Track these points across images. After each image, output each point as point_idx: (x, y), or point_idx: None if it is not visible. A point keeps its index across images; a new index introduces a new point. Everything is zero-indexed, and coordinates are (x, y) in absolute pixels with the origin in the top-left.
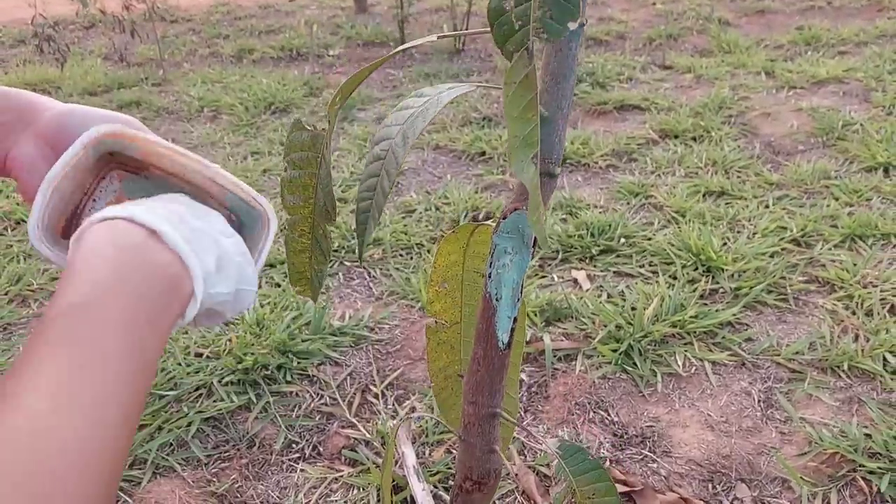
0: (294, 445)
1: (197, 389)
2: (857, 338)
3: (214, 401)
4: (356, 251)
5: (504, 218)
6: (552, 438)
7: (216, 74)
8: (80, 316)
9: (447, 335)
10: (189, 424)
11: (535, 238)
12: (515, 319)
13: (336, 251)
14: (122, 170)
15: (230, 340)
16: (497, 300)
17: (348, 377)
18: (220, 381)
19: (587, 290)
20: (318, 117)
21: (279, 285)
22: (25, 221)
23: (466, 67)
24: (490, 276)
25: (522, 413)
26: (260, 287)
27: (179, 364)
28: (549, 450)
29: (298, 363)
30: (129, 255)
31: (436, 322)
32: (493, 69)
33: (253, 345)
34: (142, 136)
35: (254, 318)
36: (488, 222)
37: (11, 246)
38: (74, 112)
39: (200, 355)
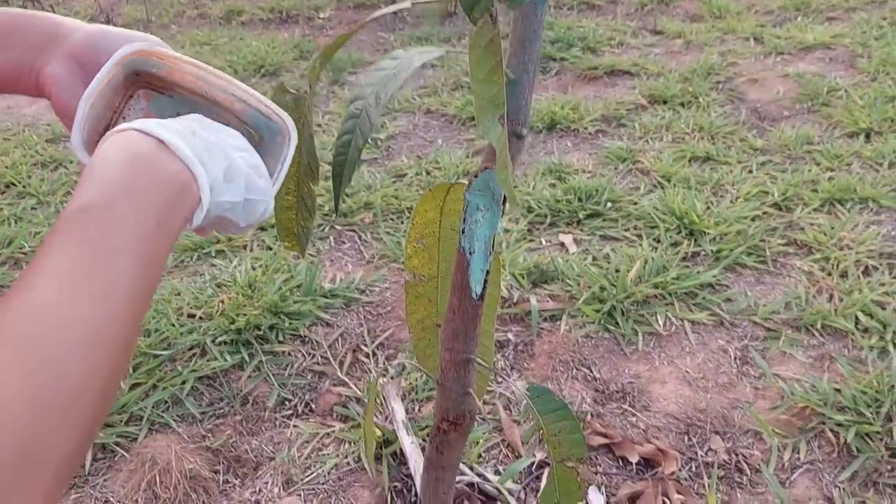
0: (287, 403)
1: (191, 349)
2: (831, 298)
3: (208, 360)
4: (333, 204)
5: (475, 177)
6: (521, 382)
7: (204, 36)
8: (92, 215)
9: (425, 289)
10: (183, 383)
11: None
12: (488, 272)
13: (326, 215)
14: (149, 88)
15: (222, 302)
16: (470, 254)
17: (339, 338)
18: (213, 341)
19: (573, 253)
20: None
21: (270, 248)
22: (14, 185)
23: (458, 31)
24: (463, 232)
25: (509, 370)
26: (262, 222)
27: (173, 325)
28: (518, 391)
29: (290, 324)
30: (140, 162)
31: (414, 276)
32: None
33: (245, 306)
34: (169, 53)
35: (245, 280)
36: (462, 181)
37: (2, 209)
38: (105, 32)
39: (193, 316)
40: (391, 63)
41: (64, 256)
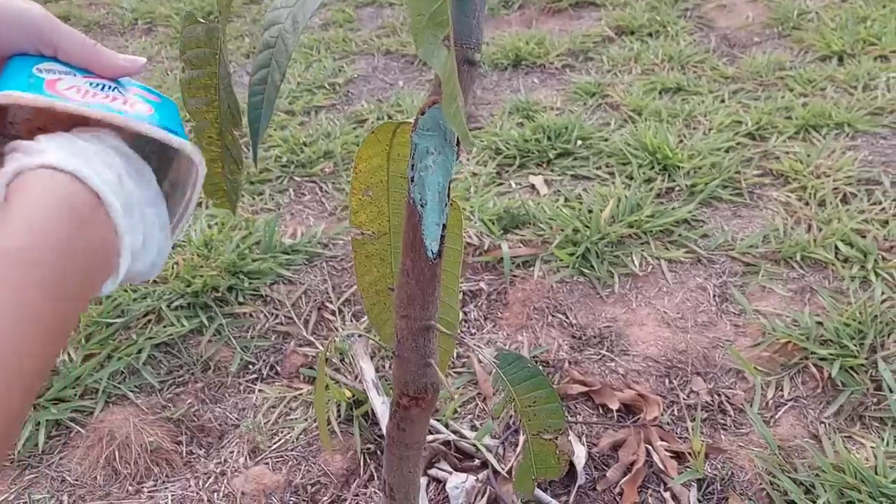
0: (250, 367)
1: (145, 315)
2: (809, 228)
3: (164, 326)
4: (252, 154)
5: (423, 113)
6: (489, 348)
7: None
8: (8, 261)
9: (376, 247)
10: (139, 351)
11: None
12: (445, 226)
13: (285, 166)
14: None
15: (177, 263)
16: (422, 206)
17: (303, 295)
18: (168, 306)
19: (544, 196)
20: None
21: None
22: None
23: None
24: (413, 180)
25: (482, 321)
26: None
27: (125, 290)
28: (485, 360)
29: (250, 283)
30: (76, 223)
31: (362, 234)
32: None
33: (202, 267)
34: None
35: (201, 240)
36: (410, 120)
37: None
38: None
39: (147, 280)
40: None
41: None
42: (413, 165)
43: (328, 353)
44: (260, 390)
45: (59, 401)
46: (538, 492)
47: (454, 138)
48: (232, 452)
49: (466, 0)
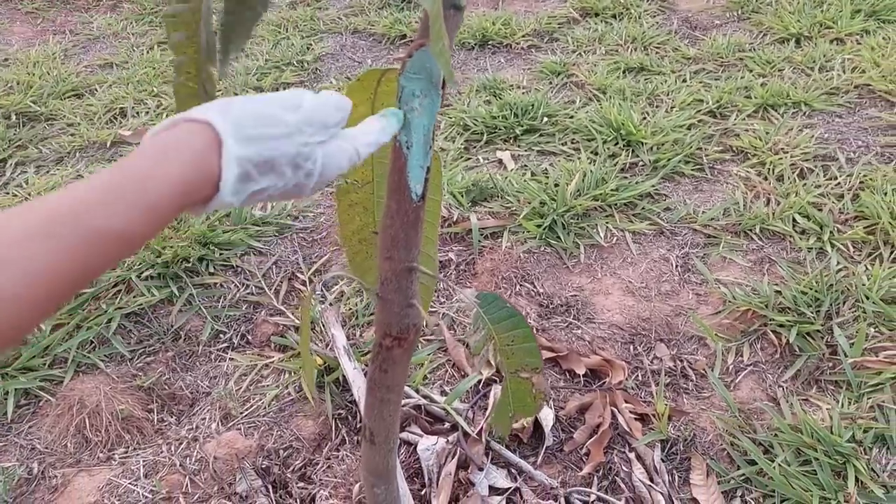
0: (221, 336)
1: (115, 286)
2: (768, 202)
3: (134, 296)
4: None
5: (410, 56)
6: (470, 290)
7: None
8: (122, 174)
9: (359, 196)
10: (109, 321)
11: (444, 78)
12: (429, 170)
13: None
14: None
15: None
16: (408, 148)
17: (273, 266)
18: (139, 276)
19: (512, 170)
20: None
21: None
22: None
23: None
24: None
25: (452, 290)
26: None
27: None
28: (466, 299)
29: (221, 254)
30: (186, 156)
31: (346, 182)
32: None
33: (171, 238)
34: None
35: None
36: (395, 67)
37: None
38: None
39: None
40: None
41: (78, 194)
42: (400, 108)
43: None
44: (231, 359)
45: (27, 370)
46: (508, 453)
47: (440, 81)
48: (204, 419)
49: None
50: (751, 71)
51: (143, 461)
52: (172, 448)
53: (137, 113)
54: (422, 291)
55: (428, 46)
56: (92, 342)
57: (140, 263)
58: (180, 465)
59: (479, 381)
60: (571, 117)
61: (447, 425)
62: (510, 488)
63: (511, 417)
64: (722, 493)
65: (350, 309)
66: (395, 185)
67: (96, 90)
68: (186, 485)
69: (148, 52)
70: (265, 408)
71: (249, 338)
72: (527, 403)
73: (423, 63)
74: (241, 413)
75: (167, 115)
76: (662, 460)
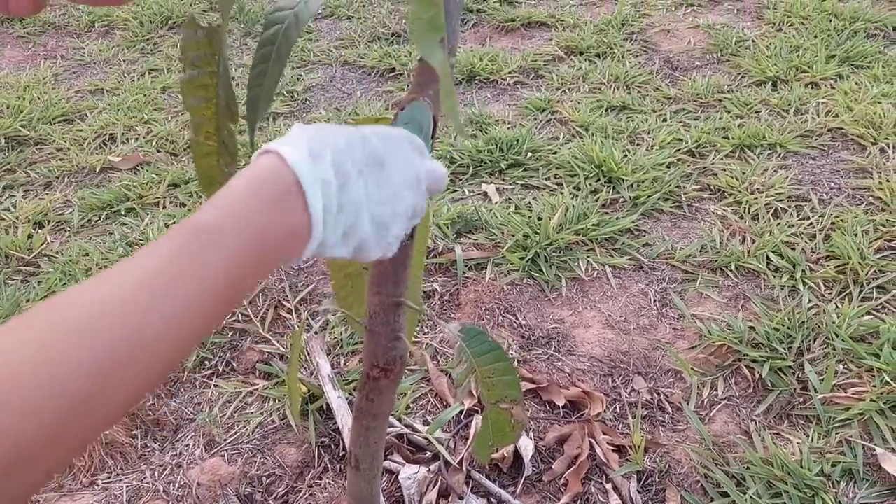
0: (207, 362)
1: None
2: (743, 240)
3: None
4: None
5: (402, 108)
6: (454, 323)
7: None
8: (198, 237)
9: None
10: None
11: (435, 127)
12: None
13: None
14: None
15: None
16: None
17: (260, 294)
18: None
19: (496, 203)
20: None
21: (184, 205)
22: None
23: None
24: None
25: (436, 320)
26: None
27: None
28: (450, 333)
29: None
30: (267, 205)
31: None
32: None
33: None
34: None
35: (156, 237)
36: (388, 115)
37: None
38: None
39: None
40: None
41: (153, 262)
42: None
43: (290, 347)
44: (216, 385)
45: None
46: (488, 482)
47: (430, 131)
48: (188, 445)
49: (447, 15)
50: (729, 112)
51: (127, 487)
52: (156, 474)
53: (127, 139)
54: (407, 320)
55: (420, 100)
56: None
57: None
58: (163, 491)
59: (461, 412)
60: (555, 153)
61: (429, 454)
62: None
63: (491, 446)
64: None
65: (335, 338)
66: None
67: (86, 115)
68: None
69: (139, 78)
70: (249, 435)
71: (234, 365)
72: (506, 433)
73: (413, 114)
74: (225, 440)
75: (157, 142)
76: (638, 491)
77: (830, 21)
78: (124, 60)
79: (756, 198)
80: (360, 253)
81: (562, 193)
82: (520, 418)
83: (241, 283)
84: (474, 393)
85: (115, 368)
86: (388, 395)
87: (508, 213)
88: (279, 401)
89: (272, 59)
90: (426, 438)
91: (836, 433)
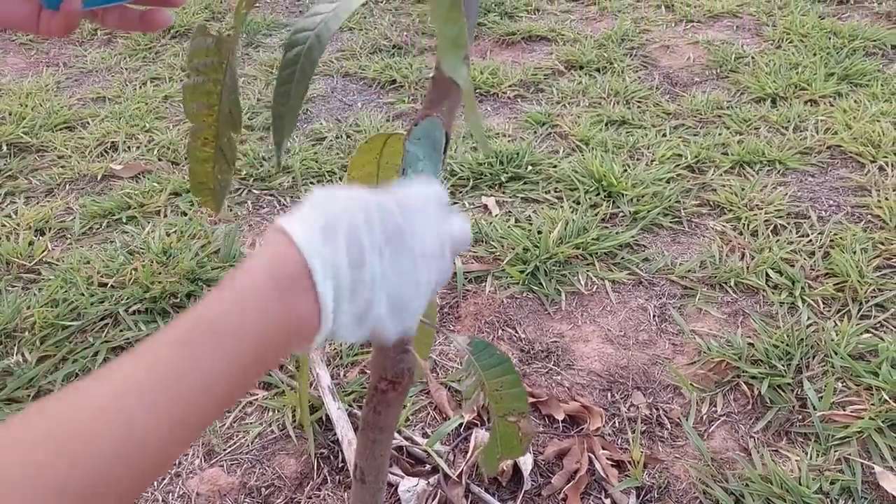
0: None
1: (102, 319)
2: (743, 256)
3: (121, 330)
4: (275, 160)
5: (416, 124)
6: (462, 336)
7: None
8: (202, 331)
9: None
10: (95, 354)
11: (447, 143)
12: None
13: (244, 179)
14: None
15: (136, 269)
16: None
17: None
18: (126, 311)
19: (496, 216)
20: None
21: (185, 214)
22: None
23: None
24: None
25: (436, 332)
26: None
27: (82, 294)
28: (459, 346)
29: (209, 290)
30: (272, 301)
31: None
32: None
33: (160, 273)
34: None
35: (160, 247)
36: (400, 132)
37: None
38: None
39: (105, 285)
40: (328, 6)
41: (136, 363)
42: (404, 170)
43: (287, 360)
44: None
45: (11, 401)
46: (487, 496)
47: (441, 147)
48: (187, 455)
49: None
50: (728, 128)
51: None
52: (155, 483)
53: (129, 147)
54: (422, 336)
55: (434, 117)
56: (77, 375)
57: (128, 298)
58: (162, 501)
59: (461, 425)
60: (555, 167)
61: (428, 467)
62: None
63: (498, 458)
64: None
65: (335, 349)
66: None
67: (88, 123)
68: None
69: (141, 87)
70: (248, 445)
71: None
72: (514, 446)
73: (427, 131)
74: (225, 450)
75: (158, 151)
76: None
77: (829, 39)
78: (126, 69)
79: (755, 214)
80: (376, 335)
81: (562, 207)
82: (527, 431)
83: (242, 380)
84: (474, 407)
85: (112, 469)
86: (395, 407)
87: (508, 226)
88: (279, 411)
89: (296, 78)
90: (425, 451)
91: (835, 451)
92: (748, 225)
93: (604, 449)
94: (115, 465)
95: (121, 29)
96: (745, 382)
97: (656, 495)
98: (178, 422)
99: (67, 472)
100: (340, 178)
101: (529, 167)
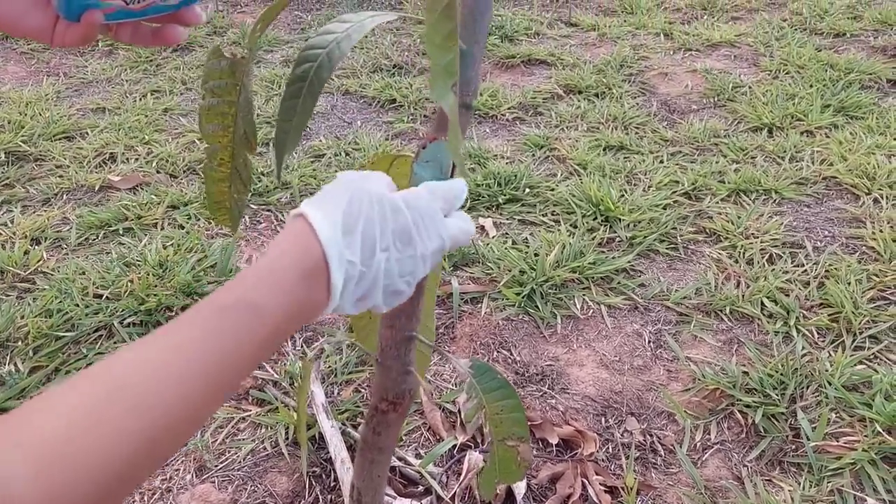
0: None
1: (96, 331)
2: (738, 284)
3: (115, 342)
4: (275, 175)
5: (423, 147)
6: (464, 359)
7: None
8: (221, 314)
9: None
10: (88, 366)
11: (454, 167)
12: None
13: None
14: None
15: (131, 281)
16: None
17: None
18: (121, 323)
19: (493, 237)
20: None
21: (182, 227)
22: None
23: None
24: None
25: (431, 353)
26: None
27: (77, 305)
28: (461, 368)
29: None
30: (298, 281)
31: None
32: (403, 18)
33: (156, 286)
34: None
35: (156, 260)
36: (406, 153)
37: None
38: None
39: (100, 296)
40: (340, 27)
41: (157, 343)
42: None
43: (300, 370)
44: None
45: (2, 411)
46: None
47: (449, 170)
48: (178, 470)
49: (469, 57)
50: (725, 156)
51: None
52: (146, 499)
53: (127, 159)
54: (419, 358)
55: (441, 140)
56: None
57: (123, 310)
58: None
59: (454, 446)
60: (552, 190)
61: (421, 488)
62: None
63: (496, 483)
64: None
65: (329, 367)
66: None
67: (87, 134)
68: None
69: (141, 99)
70: (240, 462)
71: None
72: (512, 471)
73: (435, 154)
74: (216, 466)
75: (157, 164)
76: None
77: (826, 71)
78: (127, 80)
79: (751, 243)
80: (371, 310)
81: (559, 230)
82: (526, 456)
83: (271, 347)
84: (467, 429)
85: (163, 435)
86: (394, 428)
87: (505, 248)
88: (272, 428)
89: (303, 95)
90: (418, 472)
91: (828, 482)
92: (744, 253)
93: (597, 474)
94: (166, 433)
95: (133, 44)
96: (739, 411)
97: None
98: (221, 388)
99: (137, 424)
100: None
101: (527, 190)
